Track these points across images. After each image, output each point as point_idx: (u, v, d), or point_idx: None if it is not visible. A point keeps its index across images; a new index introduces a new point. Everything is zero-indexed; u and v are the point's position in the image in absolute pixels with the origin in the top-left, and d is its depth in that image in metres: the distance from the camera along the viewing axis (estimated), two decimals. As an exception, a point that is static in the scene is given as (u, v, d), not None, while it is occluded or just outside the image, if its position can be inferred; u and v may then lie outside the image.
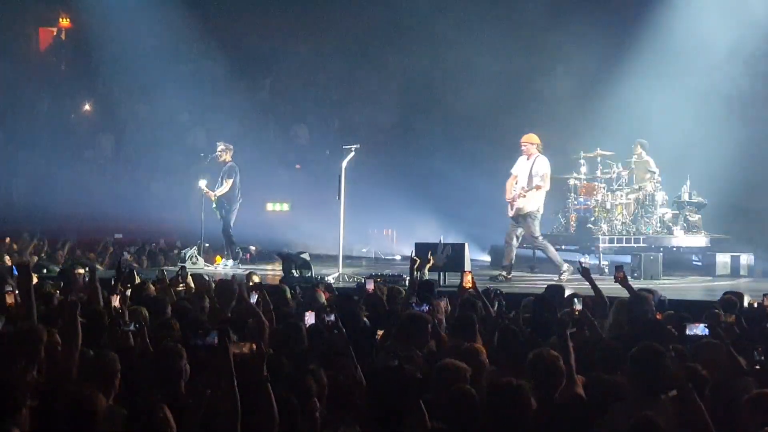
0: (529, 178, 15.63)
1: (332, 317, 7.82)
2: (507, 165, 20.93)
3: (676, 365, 6.14)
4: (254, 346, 6.08)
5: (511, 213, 15.86)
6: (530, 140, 15.83)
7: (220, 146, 18.49)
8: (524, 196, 15.59)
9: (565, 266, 15.64)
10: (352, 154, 15.50)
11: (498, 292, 10.44)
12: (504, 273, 15.87)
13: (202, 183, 18.32)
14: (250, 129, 27.49)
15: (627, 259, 17.50)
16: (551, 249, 16.02)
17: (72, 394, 5.48)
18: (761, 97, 20.62)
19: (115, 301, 8.64)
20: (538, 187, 15.55)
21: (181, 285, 11.82)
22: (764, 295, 9.67)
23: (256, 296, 9.21)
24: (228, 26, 26.97)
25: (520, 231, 15.90)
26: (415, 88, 24.35)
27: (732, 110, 20.44)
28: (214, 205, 18.39)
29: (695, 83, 20.41)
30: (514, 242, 15.99)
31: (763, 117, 20.45)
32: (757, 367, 6.76)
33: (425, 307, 8.72)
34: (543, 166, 15.68)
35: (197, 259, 18.73)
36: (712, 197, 19.16)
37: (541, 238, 15.99)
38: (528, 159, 15.76)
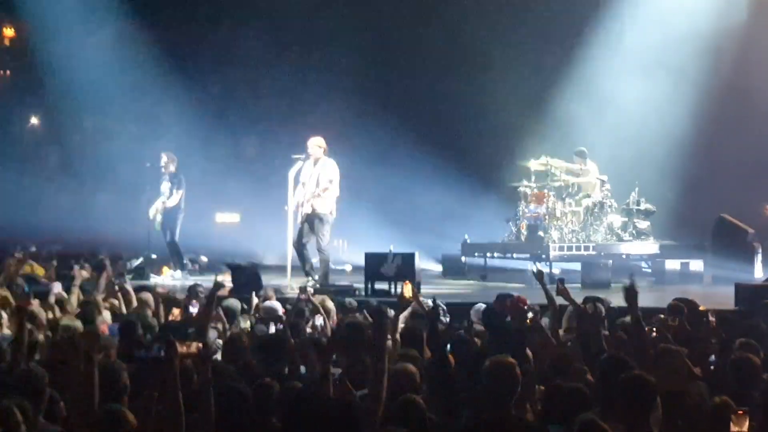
0: (317, 182, 15.23)
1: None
2: (460, 173, 20.87)
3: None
4: (201, 346, 5.94)
5: (300, 218, 15.41)
6: (318, 144, 15.39)
7: (164, 157, 18.38)
8: (319, 196, 15.13)
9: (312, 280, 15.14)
10: (301, 163, 15.36)
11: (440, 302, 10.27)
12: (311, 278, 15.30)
13: (152, 211, 18.17)
14: (199, 139, 27.26)
15: (577, 266, 17.54)
16: (328, 260, 15.55)
17: None
18: (709, 104, 20.59)
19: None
20: (325, 189, 15.12)
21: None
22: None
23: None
24: (176, 34, 26.73)
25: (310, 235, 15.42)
26: (364, 94, 24.26)
27: (679, 117, 20.49)
28: (157, 226, 18.20)
29: (643, 90, 20.51)
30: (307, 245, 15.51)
31: (712, 125, 20.47)
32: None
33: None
34: (332, 169, 15.32)
35: (143, 271, 18.54)
36: (660, 204, 19.27)
37: (326, 245, 15.42)
38: (315, 163, 15.34)
